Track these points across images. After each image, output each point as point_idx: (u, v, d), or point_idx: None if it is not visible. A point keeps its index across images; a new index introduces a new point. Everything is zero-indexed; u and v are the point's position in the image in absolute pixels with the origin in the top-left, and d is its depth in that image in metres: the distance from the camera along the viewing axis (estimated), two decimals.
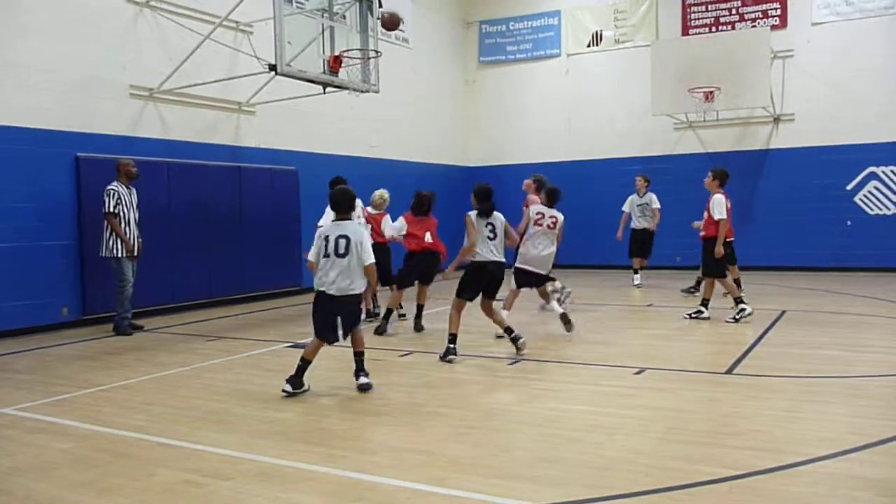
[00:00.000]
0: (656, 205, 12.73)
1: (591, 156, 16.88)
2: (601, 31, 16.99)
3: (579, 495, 3.66)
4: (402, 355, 7.44)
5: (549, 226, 8.54)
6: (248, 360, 7.42)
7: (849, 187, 14.61)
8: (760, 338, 7.95)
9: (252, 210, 12.10)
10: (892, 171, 14.32)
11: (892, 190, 14.31)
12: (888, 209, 14.32)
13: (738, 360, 6.80)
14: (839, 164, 14.58)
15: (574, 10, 17.24)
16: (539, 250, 8.49)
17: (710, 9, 15.96)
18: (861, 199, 14.56)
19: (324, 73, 10.03)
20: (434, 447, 4.53)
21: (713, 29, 15.83)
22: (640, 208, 12.85)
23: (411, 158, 16.02)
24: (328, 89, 10.40)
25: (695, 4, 16.08)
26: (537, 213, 8.57)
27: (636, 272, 13.03)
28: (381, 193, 9.70)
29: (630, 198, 13.01)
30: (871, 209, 14.43)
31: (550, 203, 8.67)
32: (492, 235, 7.24)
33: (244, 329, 9.60)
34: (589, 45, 17.16)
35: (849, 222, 14.43)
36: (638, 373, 6.39)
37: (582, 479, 3.92)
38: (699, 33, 15.79)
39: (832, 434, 4.56)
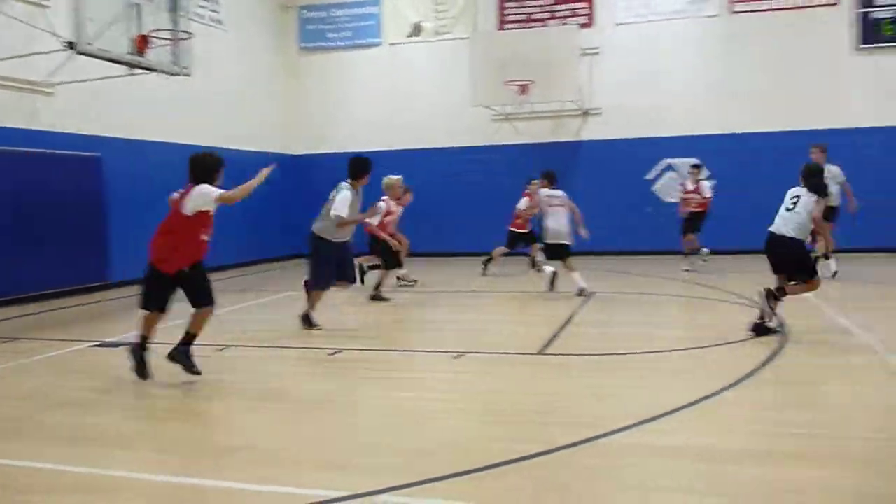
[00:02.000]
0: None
1: (417, 145, 17.08)
2: (421, 21, 17.20)
3: (397, 481, 3.70)
4: (220, 349, 7.19)
5: (559, 203, 10.19)
6: (50, 362, 6.87)
7: (648, 177, 15.78)
8: (570, 319, 8.41)
9: (48, 200, 11.13)
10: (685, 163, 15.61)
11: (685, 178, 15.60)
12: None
13: (550, 341, 7.16)
14: (641, 156, 15.70)
15: None
16: (561, 225, 10.08)
17: (524, 5, 16.61)
18: (659, 189, 15.77)
19: (130, 53, 9.45)
20: (257, 442, 4.42)
21: (527, 24, 16.50)
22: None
23: (230, 146, 15.45)
24: (136, 71, 9.81)
25: (509, 0, 16.67)
26: (548, 196, 10.30)
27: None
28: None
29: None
30: (668, 197, 15.66)
31: (552, 184, 10.44)
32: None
33: (42, 329, 8.88)
34: (410, 36, 17.32)
35: (650, 209, 15.56)
36: (457, 357, 6.56)
37: (400, 465, 3.97)
38: (514, 28, 16.42)
39: (634, 407, 4.90)
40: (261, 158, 16.28)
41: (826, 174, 10.96)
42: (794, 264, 6.99)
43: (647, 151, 15.63)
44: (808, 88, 15.15)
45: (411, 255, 12.19)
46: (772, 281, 7.08)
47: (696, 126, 15.52)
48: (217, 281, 6.16)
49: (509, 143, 16.52)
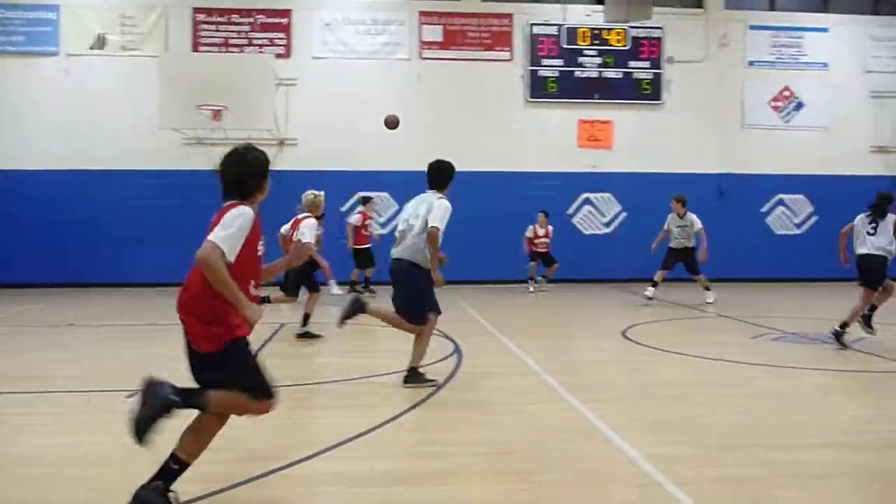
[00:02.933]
0: (699, 225, 12.95)
1: (97, 166, 15.74)
2: (106, 34, 15.99)
3: None
4: None
5: None
6: None
7: (342, 209, 16.14)
8: (260, 349, 8.23)
9: None
10: (379, 197, 16.24)
11: (379, 212, 16.23)
12: (374, 228, 16.22)
13: None
14: (336, 187, 16.00)
15: (76, 7, 15.92)
16: None
17: (220, 28, 16.22)
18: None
19: None
20: None
21: (223, 49, 16.11)
22: (681, 229, 13.04)
23: None
24: None
25: (205, 22, 16.18)
26: None
27: (655, 285, 12.98)
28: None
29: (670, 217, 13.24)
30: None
31: None
32: None
33: None
34: (92, 48, 16.01)
35: (344, 241, 15.91)
36: (130, 396, 6.06)
37: None
38: (210, 51, 15.93)
39: (313, 437, 4.89)
40: None
41: (685, 222, 12.98)
42: None
43: (342, 183, 15.98)
44: (487, 133, 16.64)
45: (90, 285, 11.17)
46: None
47: (388, 162, 16.23)
48: None
49: (202, 168, 15.90)
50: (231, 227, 3.61)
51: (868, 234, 8.91)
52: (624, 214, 17.14)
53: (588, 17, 16.90)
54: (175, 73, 14.42)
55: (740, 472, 4.27)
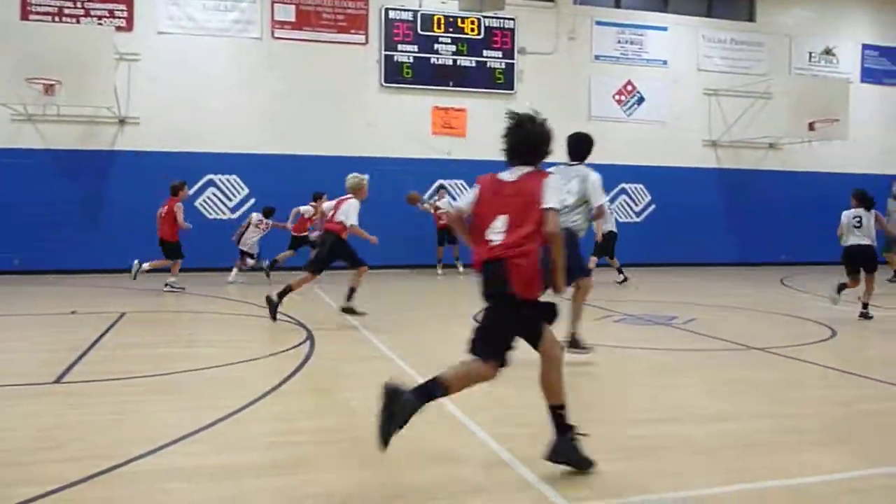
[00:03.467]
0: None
1: None
2: None
3: None
4: None
5: None
6: None
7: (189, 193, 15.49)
8: (97, 341, 7.76)
9: None
10: (227, 179, 15.70)
11: (228, 196, 15.70)
12: (224, 214, 15.68)
13: (70, 367, 6.50)
14: (182, 169, 15.31)
15: None
16: None
17: None
18: (201, 205, 15.59)
19: None
20: None
21: (57, 19, 14.98)
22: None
23: None
24: None
25: None
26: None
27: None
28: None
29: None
30: (210, 213, 15.58)
31: None
32: None
33: None
34: None
35: (189, 225, 15.28)
36: None
37: None
38: (41, 20, 14.77)
39: (152, 432, 4.66)
40: None
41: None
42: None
43: (188, 165, 15.31)
44: (341, 118, 16.45)
45: None
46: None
47: (238, 144, 15.73)
48: None
49: (34, 147, 14.79)
50: (559, 192, 4.04)
51: (854, 227, 10.21)
52: None
53: (443, 3, 17.04)
54: (1, 43, 13.25)
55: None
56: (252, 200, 15.32)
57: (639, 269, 16.92)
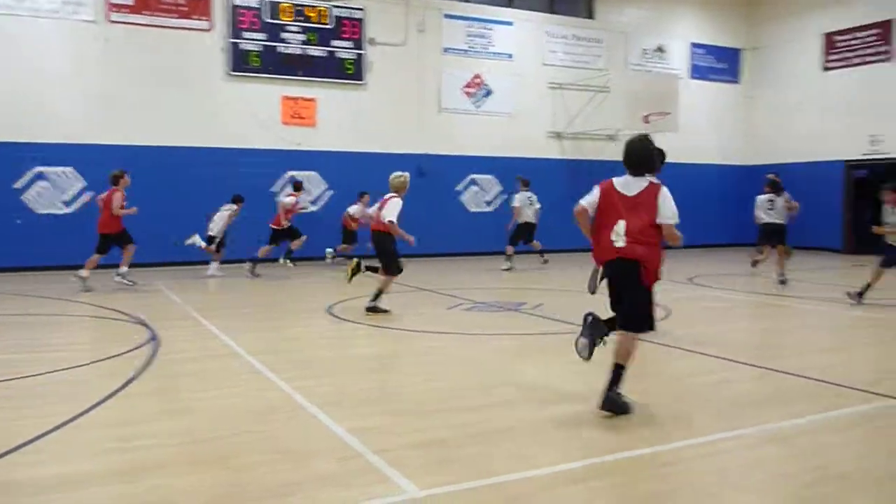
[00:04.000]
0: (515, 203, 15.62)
1: None
2: None
3: None
4: None
5: None
6: None
7: (16, 186, 14.38)
8: None
9: None
10: (61, 172, 14.69)
11: (61, 189, 14.70)
12: (58, 209, 14.68)
13: None
14: (8, 162, 14.21)
15: None
16: None
17: None
18: (30, 199, 14.51)
19: None
20: None
21: None
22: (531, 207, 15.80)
23: None
24: None
25: None
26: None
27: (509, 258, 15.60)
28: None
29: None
30: (41, 209, 14.53)
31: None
32: None
33: None
34: None
35: (18, 220, 14.19)
36: None
37: None
38: None
39: None
40: None
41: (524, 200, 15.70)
42: None
43: (13, 157, 14.21)
44: (184, 106, 15.78)
45: None
46: None
47: (72, 134, 14.75)
48: None
49: None
50: (672, 203, 5.07)
51: (768, 209, 12.83)
52: (330, 192, 17.30)
53: None
54: None
55: (433, 435, 4.55)
56: (91, 193, 14.35)
57: (493, 258, 17.37)
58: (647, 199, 5.02)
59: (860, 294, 10.12)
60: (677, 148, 21.24)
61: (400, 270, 9.58)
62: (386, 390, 5.69)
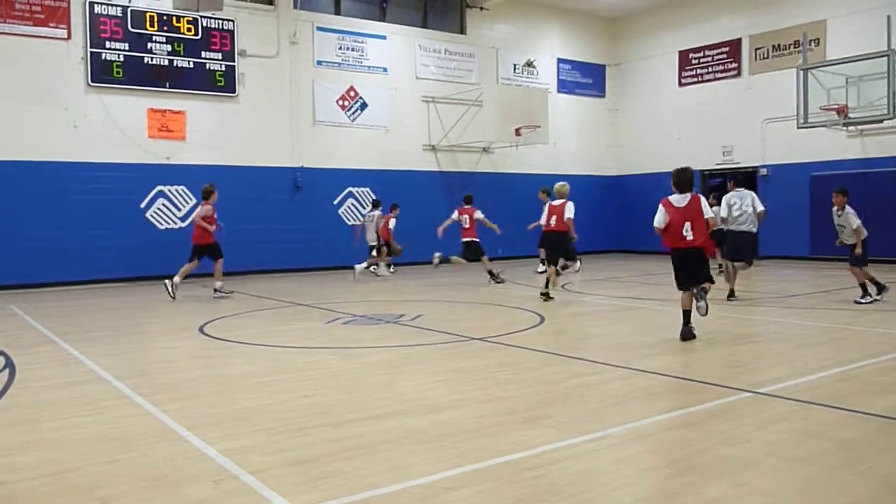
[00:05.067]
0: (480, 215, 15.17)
1: None
2: None
3: None
4: None
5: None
6: None
7: None
8: None
9: None
10: None
11: None
12: None
13: None
14: None
15: None
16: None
17: None
18: None
19: None
20: None
21: None
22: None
23: None
24: None
25: None
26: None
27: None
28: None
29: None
30: None
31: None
32: None
33: None
34: None
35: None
36: None
37: None
38: None
39: None
40: None
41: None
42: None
43: None
44: (44, 119, 14.96)
45: None
46: None
47: None
48: None
49: None
50: (708, 206, 8.18)
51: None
52: None
53: (157, 1, 16.17)
54: None
55: (310, 452, 4.50)
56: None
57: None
58: (695, 206, 8.06)
59: (881, 289, 11.04)
60: (547, 159, 22.06)
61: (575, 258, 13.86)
62: (261, 408, 5.57)
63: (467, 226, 14.91)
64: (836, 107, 16.78)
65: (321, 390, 6.16)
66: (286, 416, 5.34)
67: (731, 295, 11.48)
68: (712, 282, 8.17)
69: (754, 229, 11.41)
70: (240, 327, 9.68)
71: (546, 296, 11.72)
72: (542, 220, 12.15)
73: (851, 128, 17.95)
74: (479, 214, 14.93)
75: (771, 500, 3.65)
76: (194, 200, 16.64)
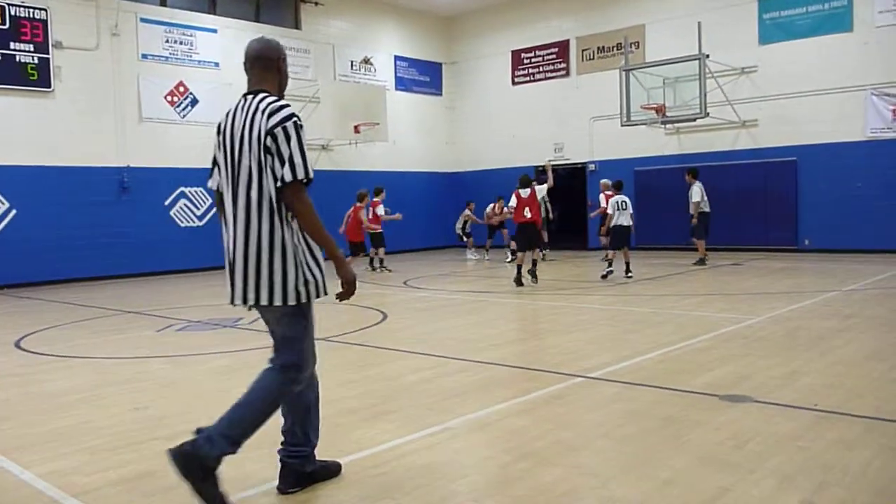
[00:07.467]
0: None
1: None
2: None
3: None
4: None
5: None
6: None
7: None
8: None
9: None
10: None
11: None
12: None
13: None
14: None
15: None
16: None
17: None
18: None
19: None
20: None
21: None
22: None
23: None
24: None
25: None
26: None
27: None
28: None
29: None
30: None
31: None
32: None
33: None
34: None
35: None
36: None
37: None
38: None
39: None
40: None
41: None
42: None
43: None
44: None
45: None
46: None
47: None
48: None
49: None
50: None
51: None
52: (14, 213, 15.47)
53: None
54: None
55: (140, 468, 4.26)
56: None
57: (207, 274, 16.70)
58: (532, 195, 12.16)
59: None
60: (388, 157, 22.15)
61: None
62: (83, 426, 5.20)
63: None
64: (654, 106, 17.96)
65: (155, 402, 5.85)
66: (113, 432, 5.02)
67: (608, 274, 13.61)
68: (541, 249, 11.06)
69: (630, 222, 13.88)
70: (62, 339, 9.01)
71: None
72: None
73: (669, 126, 19.26)
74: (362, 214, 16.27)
75: (599, 479, 3.85)
76: (6, 205, 15.33)
